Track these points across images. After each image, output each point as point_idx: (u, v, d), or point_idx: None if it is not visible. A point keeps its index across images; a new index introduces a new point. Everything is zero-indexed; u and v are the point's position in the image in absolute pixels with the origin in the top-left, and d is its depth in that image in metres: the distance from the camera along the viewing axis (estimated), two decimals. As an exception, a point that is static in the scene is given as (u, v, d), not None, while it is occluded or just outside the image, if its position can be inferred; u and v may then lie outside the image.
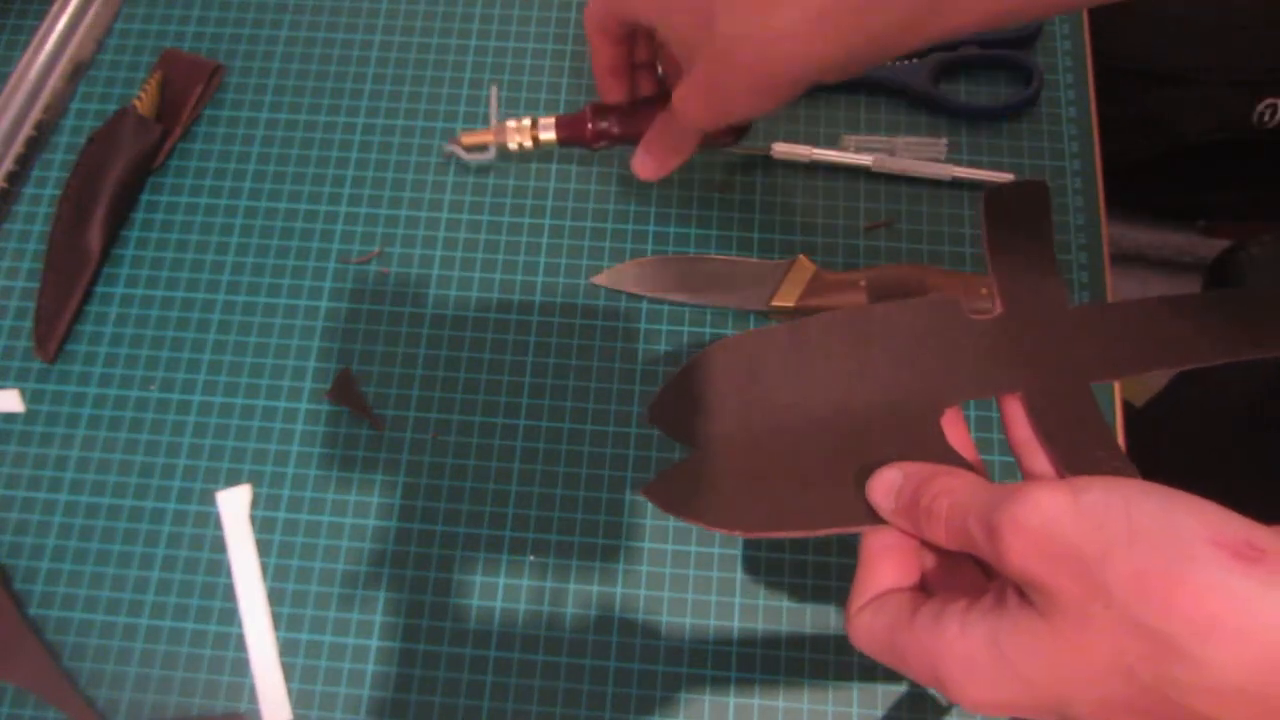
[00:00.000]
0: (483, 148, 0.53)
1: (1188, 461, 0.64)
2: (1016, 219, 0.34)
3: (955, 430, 0.33)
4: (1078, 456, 0.30)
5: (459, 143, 0.54)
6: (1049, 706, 0.25)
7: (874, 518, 0.31)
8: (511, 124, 0.51)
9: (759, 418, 0.33)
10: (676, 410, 0.34)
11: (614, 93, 0.48)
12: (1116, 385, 0.50)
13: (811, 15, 0.33)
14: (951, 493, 0.28)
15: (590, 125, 0.49)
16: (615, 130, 0.49)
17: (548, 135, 0.50)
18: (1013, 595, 0.25)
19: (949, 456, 0.31)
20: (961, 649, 0.26)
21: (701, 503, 0.33)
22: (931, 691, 0.46)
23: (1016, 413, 0.32)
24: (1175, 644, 0.22)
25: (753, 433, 0.33)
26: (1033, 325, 0.33)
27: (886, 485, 0.30)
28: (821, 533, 0.32)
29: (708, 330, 0.53)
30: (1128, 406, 1.00)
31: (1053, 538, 0.24)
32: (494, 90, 0.54)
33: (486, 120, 0.57)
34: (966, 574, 0.31)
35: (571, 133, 0.50)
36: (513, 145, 0.52)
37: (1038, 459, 0.31)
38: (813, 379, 0.33)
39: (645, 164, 0.46)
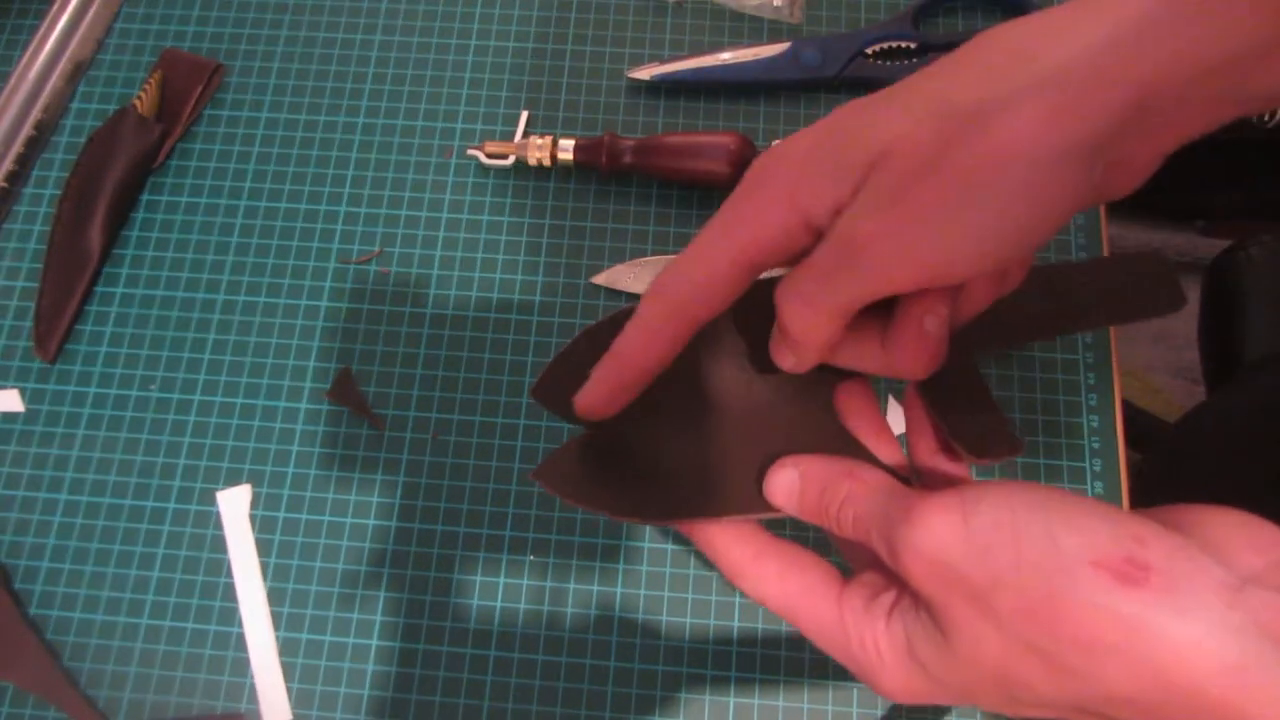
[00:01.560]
0: (503, 157, 0.56)
1: (1217, 476, 0.64)
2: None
3: (864, 408, 0.32)
4: (964, 425, 0.30)
5: (482, 150, 0.56)
6: (961, 700, 0.26)
7: (773, 507, 0.30)
8: (534, 140, 0.55)
9: (650, 396, 0.31)
10: (564, 388, 0.31)
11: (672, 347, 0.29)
12: (1116, 388, 0.50)
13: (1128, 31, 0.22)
14: (854, 503, 0.28)
15: (606, 154, 0.54)
16: (628, 160, 0.54)
17: (566, 156, 0.55)
18: (923, 606, 0.26)
19: (842, 438, 0.31)
20: (885, 643, 0.27)
21: (596, 489, 0.30)
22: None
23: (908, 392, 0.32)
24: (1065, 664, 0.23)
25: (644, 411, 0.31)
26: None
27: (785, 488, 0.30)
28: (726, 520, 0.30)
29: (708, 330, 0.53)
30: (1153, 420, 0.99)
31: (944, 565, 0.24)
32: (525, 114, 0.57)
33: (488, 121, 0.57)
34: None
35: (588, 157, 0.54)
36: (532, 160, 0.55)
37: (924, 436, 0.31)
38: (703, 356, 0.32)
39: (781, 355, 0.29)
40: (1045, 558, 0.23)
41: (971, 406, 0.31)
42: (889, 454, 0.31)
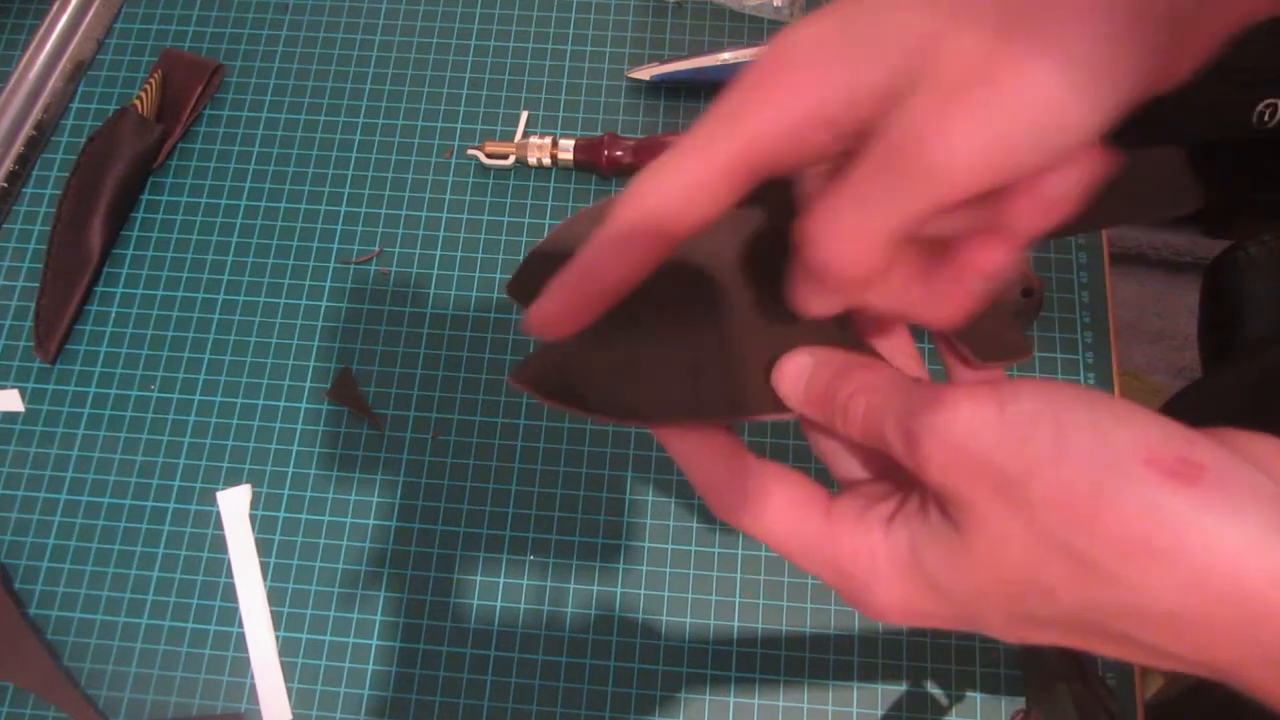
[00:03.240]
0: (503, 157, 0.56)
1: None
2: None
3: (884, 324, 0.29)
4: (970, 330, 0.28)
5: (482, 150, 0.56)
6: (962, 619, 0.24)
7: (778, 406, 0.27)
8: (534, 140, 0.55)
9: (639, 292, 0.27)
10: (541, 280, 0.27)
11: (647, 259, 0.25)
12: (1116, 388, 0.50)
13: None
14: (870, 391, 0.25)
15: (606, 154, 0.54)
16: (628, 160, 0.54)
17: (565, 156, 0.55)
18: (934, 506, 0.24)
19: (859, 346, 0.28)
20: (883, 552, 0.24)
21: (579, 387, 0.27)
22: (932, 691, 0.46)
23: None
24: (1100, 566, 0.21)
25: (631, 306, 0.27)
26: None
27: (795, 371, 0.27)
28: (716, 422, 0.27)
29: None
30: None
31: (974, 452, 0.22)
32: (525, 114, 0.57)
33: (490, 121, 0.57)
34: (878, 464, 0.28)
35: (588, 157, 0.55)
36: (532, 160, 0.55)
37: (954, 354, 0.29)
38: (697, 247, 0.28)
39: (810, 297, 0.26)
40: (1092, 451, 0.21)
41: (978, 314, 0.28)
42: (915, 369, 0.28)
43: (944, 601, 0.24)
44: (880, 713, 0.46)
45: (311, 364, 0.52)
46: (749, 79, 0.23)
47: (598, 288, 0.25)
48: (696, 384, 0.28)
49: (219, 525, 0.50)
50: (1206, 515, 0.20)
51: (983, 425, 0.22)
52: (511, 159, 0.55)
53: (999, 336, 0.29)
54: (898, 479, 0.26)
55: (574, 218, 0.29)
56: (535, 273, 0.28)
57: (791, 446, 0.51)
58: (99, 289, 0.54)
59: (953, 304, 0.24)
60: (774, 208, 0.28)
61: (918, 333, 0.30)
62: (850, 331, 0.28)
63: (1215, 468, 0.21)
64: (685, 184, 0.23)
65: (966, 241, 0.24)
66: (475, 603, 0.48)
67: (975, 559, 0.23)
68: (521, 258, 0.54)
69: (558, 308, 0.25)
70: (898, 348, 0.29)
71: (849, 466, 0.28)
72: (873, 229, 0.22)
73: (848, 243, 0.22)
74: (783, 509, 0.26)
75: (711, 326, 0.28)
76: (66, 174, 0.56)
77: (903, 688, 0.46)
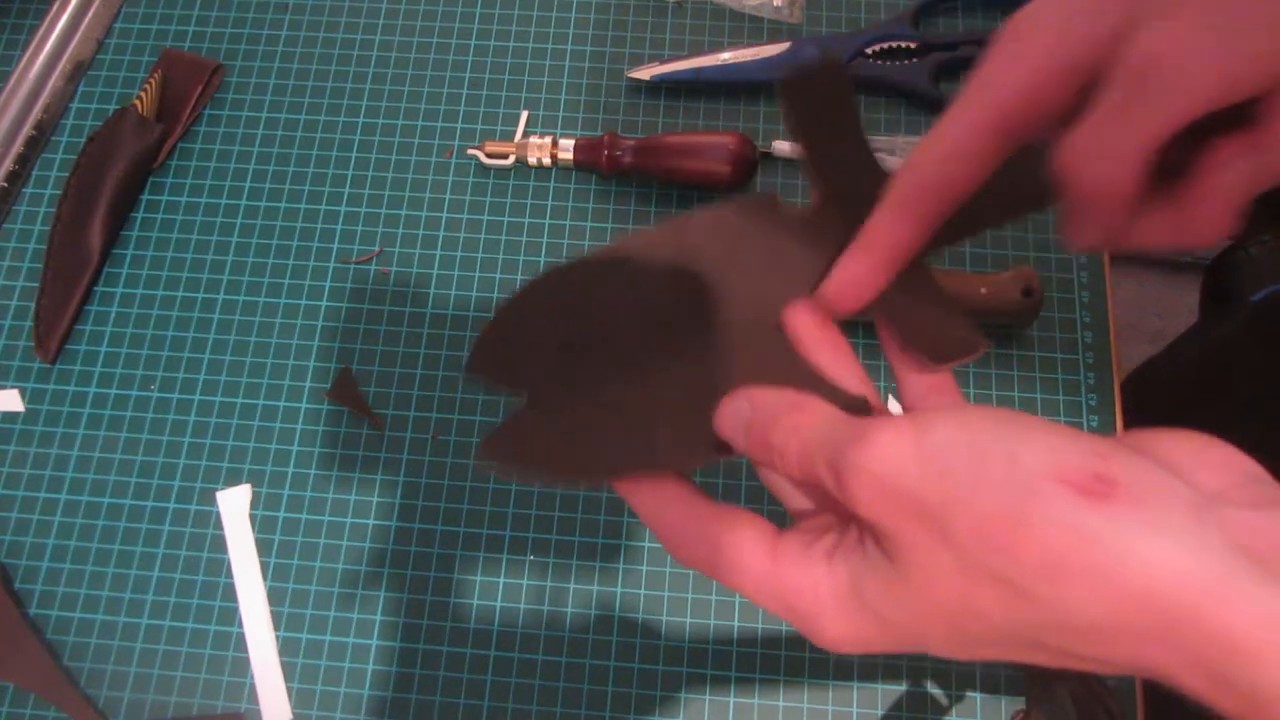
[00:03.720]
0: (503, 157, 0.55)
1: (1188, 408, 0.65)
2: (820, 106, 0.31)
3: (824, 339, 0.30)
4: (919, 330, 0.29)
5: (482, 150, 0.56)
6: (909, 644, 0.24)
7: (726, 450, 0.28)
8: (534, 140, 0.55)
9: (590, 354, 0.30)
10: (497, 357, 0.30)
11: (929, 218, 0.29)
12: (1116, 388, 0.50)
13: None
14: (798, 432, 0.26)
15: (606, 154, 0.54)
16: (628, 160, 0.54)
17: (565, 156, 0.55)
18: (870, 538, 0.25)
19: (798, 368, 0.29)
20: (826, 587, 0.25)
21: (539, 458, 0.29)
22: (932, 691, 0.46)
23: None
24: (1025, 589, 0.21)
25: (585, 370, 0.30)
26: (852, 211, 0.30)
27: (734, 419, 0.28)
28: (671, 470, 0.29)
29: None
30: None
31: (896, 487, 0.22)
32: (525, 114, 0.57)
33: (490, 121, 0.57)
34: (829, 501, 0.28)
35: (588, 156, 0.54)
36: (532, 160, 0.55)
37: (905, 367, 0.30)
38: (643, 301, 0.30)
39: (1082, 232, 0.27)
40: (1004, 475, 0.21)
41: (927, 311, 0.29)
42: (855, 384, 0.29)
43: (889, 629, 0.24)
44: (880, 713, 0.46)
45: (311, 364, 0.52)
46: (1001, 43, 0.26)
47: (886, 253, 0.28)
48: (650, 435, 0.29)
49: (219, 525, 0.50)
50: (1122, 529, 0.20)
51: (903, 460, 0.23)
52: (511, 159, 0.55)
53: (951, 334, 0.29)
54: (839, 511, 0.27)
55: (521, 291, 0.30)
56: (493, 348, 0.30)
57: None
58: (99, 289, 0.54)
59: (1214, 220, 0.26)
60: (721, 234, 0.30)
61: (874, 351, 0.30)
62: (794, 357, 0.30)
63: (1127, 480, 0.21)
64: (951, 151, 0.26)
65: (1211, 161, 0.25)
66: (475, 603, 0.48)
67: (911, 589, 0.23)
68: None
69: (852, 275, 0.29)
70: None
71: (797, 499, 0.28)
72: (1128, 146, 0.24)
73: (1108, 161, 0.24)
74: (731, 549, 0.27)
75: (659, 375, 0.30)
76: (66, 174, 0.56)
77: (903, 688, 0.46)
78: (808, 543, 0.26)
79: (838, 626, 0.25)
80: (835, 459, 0.24)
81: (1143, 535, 0.20)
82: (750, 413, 0.28)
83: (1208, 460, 0.23)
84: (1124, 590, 0.20)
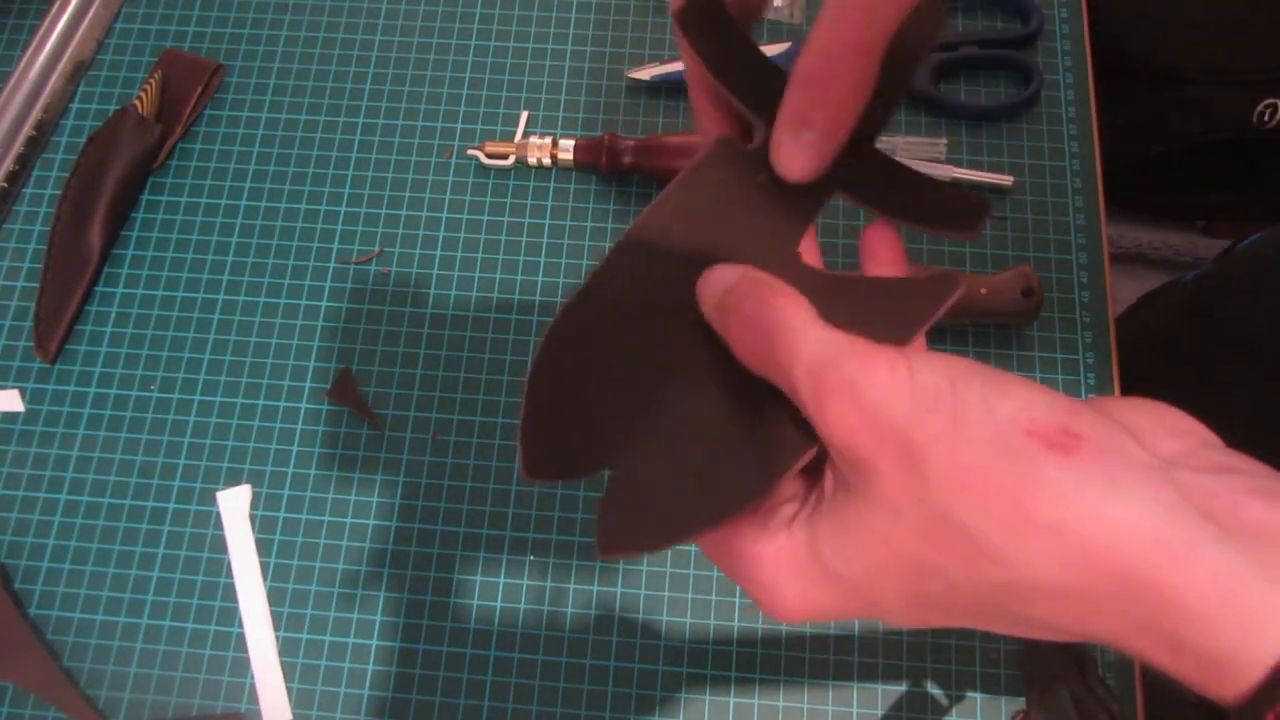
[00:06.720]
0: (503, 157, 0.56)
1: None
2: (713, 30, 0.30)
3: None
4: (923, 208, 0.29)
5: (482, 150, 0.56)
6: (862, 606, 0.24)
7: (797, 451, 0.26)
8: (534, 140, 0.55)
9: (631, 394, 0.28)
10: (549, 451, 0.28)
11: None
12: (1116, 387, 0.50)
13: None
14: (789, 331, 0.24)
15: (606, 154, 0.54)
16: (628, 160, 0.54)
17: (565, 156, 0.55)
18: (829, 482, 0.24)
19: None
20: (786, 551, 0.25)
21: (653, 521, 0.27)
22: (932, 691, 0.46)
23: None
24: (986, 543, 0.21)
25: (634, 413, 0.27)
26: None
27: (718, 280, 0.27)
28: (755, 500, 0.26)
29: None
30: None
31: (886, 416, 0.22)
32: (525, 114, 0.57)
33: (490, 121, 0.57)
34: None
35: (588, 157, 0.54)
36: (532, 160, 0.55)
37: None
38: (653, 317, 0.28)
39: (800, 144, 0.28)
40: (982, 422, 0.22)
41: (906, 184, 0.29)
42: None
43: (842, 589, 0.24)
44: (880, 713, 0.46)
45: (311, 364, 0.52)
46: None
47: (820, 91, 0.27)
48: (717, 475, 0.27)
49: (219, 525, 0.50)
50: (1086, 486, 0.20)
51: (897, 391, 0.22)
52: (511, 159, 0.55)
53: (945, 203, 0.29)
54: (807, 481, 0.27)
55: (536, 368, 0.29)
56: (540, 440, 0.28)
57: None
58: (99, 289, 0.54)
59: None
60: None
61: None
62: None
63: (1091, 436, 0.21)
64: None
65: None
66: (475, 603, 0.48)
67: (870, 533, 0.23)
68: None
69: (798, 111, 0.27)
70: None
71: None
72: (845, 37, 0.26)
73: (825, 46, 0.26)
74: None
75: (701, 413, 0.28)
76: (66, 174, 0.56)
77: (903, 688, 0.46)
78: (768, 512, 0.26)
79: (791, 589, 0.25)
80: (823, 369, 0.23)
81: (1104, 491, 0.20)
82: (739, 281, 0.26)
83: (1166, 425, 0.23)
84: (1081, 547, 0.20)
